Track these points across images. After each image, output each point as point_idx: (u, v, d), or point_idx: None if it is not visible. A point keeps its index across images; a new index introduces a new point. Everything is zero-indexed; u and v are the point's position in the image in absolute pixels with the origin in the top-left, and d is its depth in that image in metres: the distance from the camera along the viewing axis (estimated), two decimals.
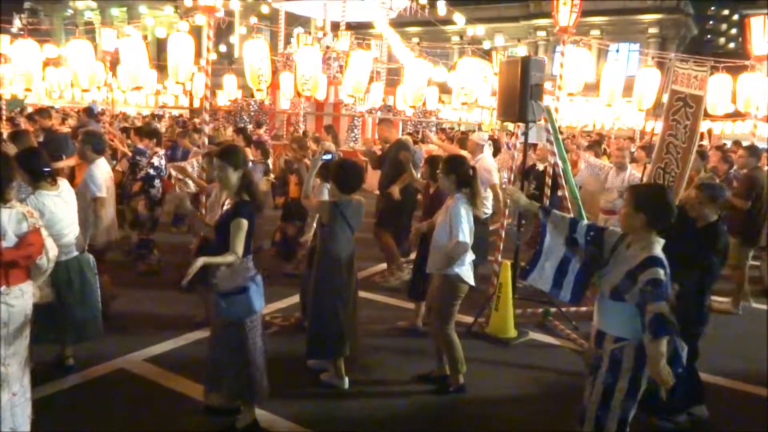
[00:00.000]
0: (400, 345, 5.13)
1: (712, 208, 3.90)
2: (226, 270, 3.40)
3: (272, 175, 7.54)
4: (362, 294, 6.20)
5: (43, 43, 10.14)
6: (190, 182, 6.50)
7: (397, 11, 19.96)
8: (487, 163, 6.59)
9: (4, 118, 10.90)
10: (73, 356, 4.31)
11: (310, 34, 19.90)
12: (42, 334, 3.58)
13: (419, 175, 6.15)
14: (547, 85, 7.96)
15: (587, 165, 7.14)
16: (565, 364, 4.91)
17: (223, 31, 18.90)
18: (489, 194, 6.61)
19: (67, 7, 41.20)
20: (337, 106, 17.11)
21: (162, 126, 15.66)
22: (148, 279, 6.58)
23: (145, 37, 9.33)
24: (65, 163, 6.69)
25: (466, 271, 4.16)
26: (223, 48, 25.27)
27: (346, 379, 4.25)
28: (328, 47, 17.44)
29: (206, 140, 6.99)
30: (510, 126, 10.40)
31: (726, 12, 51.51)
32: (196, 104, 23.37)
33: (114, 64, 12.33)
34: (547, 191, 6.41)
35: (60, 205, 3.86)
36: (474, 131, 10.59)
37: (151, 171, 6.80)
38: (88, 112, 11.33)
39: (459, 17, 17.58)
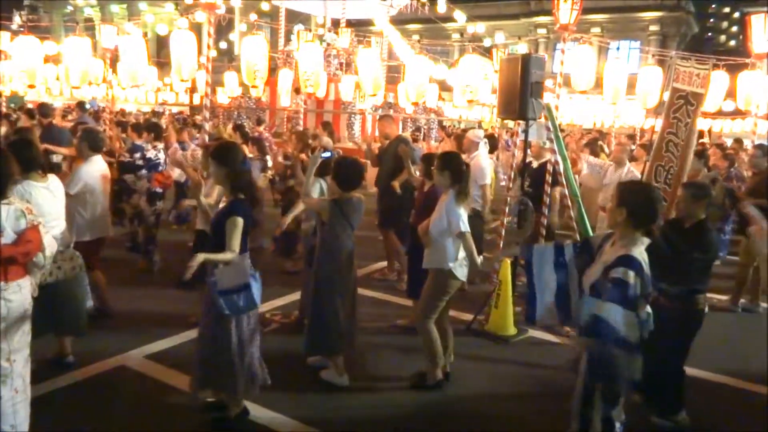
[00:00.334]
0: (400, 343, 5.13)
1: (699, 207, 3.90)
2: (226, 268, 3.40)
3: (270, 172, 7.54)
4: (361, 291, 6.20)
5: (43, 40, 10.14)
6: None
7: (398, 8, 19.97)
8: (480, 161, 6.56)
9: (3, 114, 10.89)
10: (73, 353, 4.31)
11: (310, 31, 19.88)
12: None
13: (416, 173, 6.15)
14: (548, 83, 7.96)
15: (588, 165, 7.15)
16: (565, 361, 4.91)
17: (224, 28, 18.88)
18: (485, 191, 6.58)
19: (67, 4, 41.10)
20: (337, 104, 17.10)
21: (162, 123, 15.64)
22: (148, 276, 6.58)
23: (145, 34, 9.34)
24: (66, 150, 6.69)
25: (459, 267, 4.17)
26: (223, 45, 25.26)
27: (346, 376, 4.25)
28: (328, 44, 17.44)
29: (207, 137, 6.99)
30: (510, 123, 10.39)
31: (727, 10, 51.49)
32: (197, 101, 23.35)
33: (114, 61, 12.31)
34: (547, 188, 6.40)
35: (47, 197, 3.85)
36: (474, 128, 10.58)
37: (139, 162, 6.74)
38: (81, 107, 11.34)
39: (459, 14, 17.52)
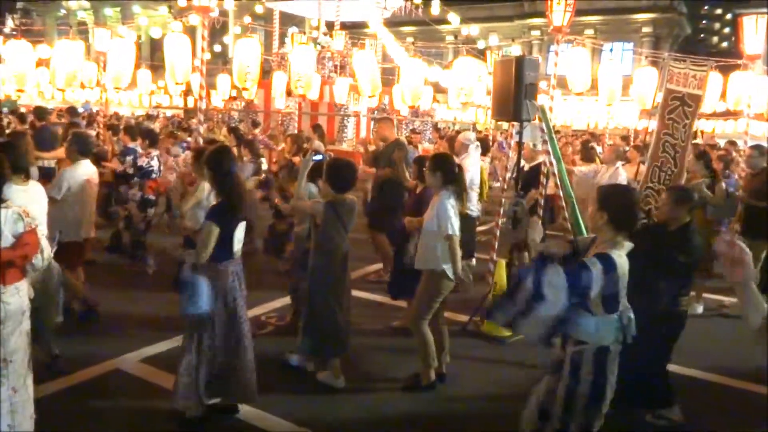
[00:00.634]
0: (395, 344, 5.13)
1: (682, 210, 3.93)
2: (188, 267, 3.47)
3: (264, 175, 7.53)
4: (357, 293, 6.20)
5: (36, 43, 10.11)
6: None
7: (392, 11, 19.97)
8: (467, 163, 6.54)
9: None
10: (67, 357, 4.29)
11: (304, 33, 19.89)
12: None
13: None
14: (542, 85, 7.98)
15: (576, 175, 7.16)
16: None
17: (218, 31, 18.89)
18: (474, 194, 6.58)
19: (60, 7, 40.97)
20: (331, 107, 17.10)
21: (156, 126, 15.61)
22: (143, 279, 6.56)
23: (138, 37, 9.32)
24: (53, 154, 6.68)
25: (452, 268, 4.17)
26: (217, 48, 25.24)
27: (342, 378, 4.25)
28: (323, 47, 17.43)
29: (201, 141, 6.97)
30: (505, 125, 10.41)
31: (719, 11, 51.73)
32: (191, 104, 23.31)
33: (107, 64, 12.28)
34: (542, 190, 6.42)
35: (26, 201, 3.84)
36: (468, 130, 10.61)
37: (130, 169, 6.73)
38: (72, 111, 11.30)
39: (453, 17, 17.61)
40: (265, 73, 11.09)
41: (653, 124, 5.68)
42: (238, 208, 3.58)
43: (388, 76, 17.50)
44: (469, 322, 5.56)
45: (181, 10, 16.05)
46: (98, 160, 6.71)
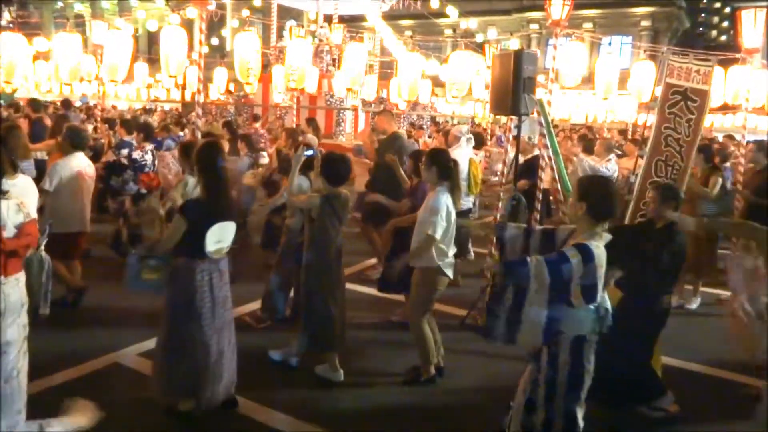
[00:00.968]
0: (394, 338, 5.14)
1: (669, 208, 3.94)
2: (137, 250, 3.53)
3: (260, 169, 7.51)
4: (355, 288, 6.23)
5: (33, 36, 10.07)
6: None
7: (390, 4, 19.93)
8: (455, 153, 6.50)
9: None
10: (66, 350, 4.30)
11: (302, 27, 19.82)
12: None
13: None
14: (540, 78, 7.96)
15: (582, 167, 7.18)
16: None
17: (215, 24, 18.81)
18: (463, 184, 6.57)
19: (57, 0, 40.75)
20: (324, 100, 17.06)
21: (154, 119, 15.57)
22: None
23: (136, 30, 9.29)
24: (41, 145, 6.69)
25: (447, 264, 4.18)
26: (214, 41, 25.11)
27: (341, 372, 4.26)
28: (321, 40, 17.38)
29: (199, 135, 6.95)
30: (503, 119, 10.40)
31: (718, 5, 51.65)
32: (188, 98, 23.26)
33: (104, 57, 12.23)
34: (540, 184, 6.41)
35: (15, 194, 3.83)
36: (466, 124, 10.60)
37: (123, 160, 6.70)
38: (66, 104, 11.28)
39: (452, 10, 17.52)
40: (264, 67, 11.05)
41: (651, 118, 5.66)
42: (216, 206, 3.49)
43: (386, 70, 17.47)
44: (467, 316, 5.57)
45: (178, 2, 15.99)
46: (96, 155, 6.70)
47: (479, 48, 14.57)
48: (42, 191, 4.85)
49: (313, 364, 4.35)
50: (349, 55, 10.25)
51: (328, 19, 18.46)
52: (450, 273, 4.24)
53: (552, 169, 6.21)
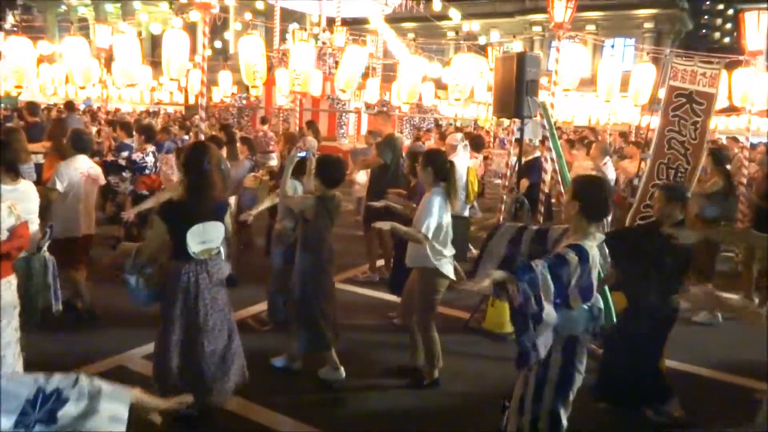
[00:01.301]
0: (395, 340, 5.11)
1: (675, 208, 3.92)
2: (128, 262, 3.44)
3: (261, 171, 7.52)
4: (354, 290, 6.24)
5: (36, 39, 10.11)
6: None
7: (393, 7, 19.96)
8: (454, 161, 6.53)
9: None
10: (71, 353, 4.30)
11: (305, 30, 19.87)
12: None
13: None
14: (543, 81, 7.97)
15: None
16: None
17: (218, 27, 18.86)
18: (462, 193, 6.56)
19: (61, 4, 40.89)
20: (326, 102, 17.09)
21: (158, 122, 15.62)
22: None
23: (139, 33, 9.33)
24: (36, 146, 6.73)
25: (445, 264, 4.17)
26: (218, 44, 25.21)
27: (342, 369, 4.25)
28: (324, 43, 17.43)
29: (203, 137, 6.96)
30: (506, 122, 10.41)
31: (721, 7, 51.54)
32: (191, 101, 23.33)
33: (108, 60, 12.28)
34: (544, 188, 6.42)
35: (15, 200, 3.84)
36: (469, 126, 10.61)
37: (121, 161, 6.71)
38: (69, 106, 11.32)
39: (454, 13, 17.57)
40: (267, 70, 11.10)
41: (654, 121, 5.66)
42: (198, 207, 3.41)
43: (389, 73, 17.49)
44: (470, 318, 5.56)
45: (181, 6, 16.04)
46: (95, 157, 6.73)
47: (482, 50, 14.60)
48: (51, 191, 4.86)
49: (314, 366, 4.35)
50: (348, 56, 10.29)
51: (331, 21, 18.50)
52: (450, 273, 4.21)
53: (555, 171, 6.21)
